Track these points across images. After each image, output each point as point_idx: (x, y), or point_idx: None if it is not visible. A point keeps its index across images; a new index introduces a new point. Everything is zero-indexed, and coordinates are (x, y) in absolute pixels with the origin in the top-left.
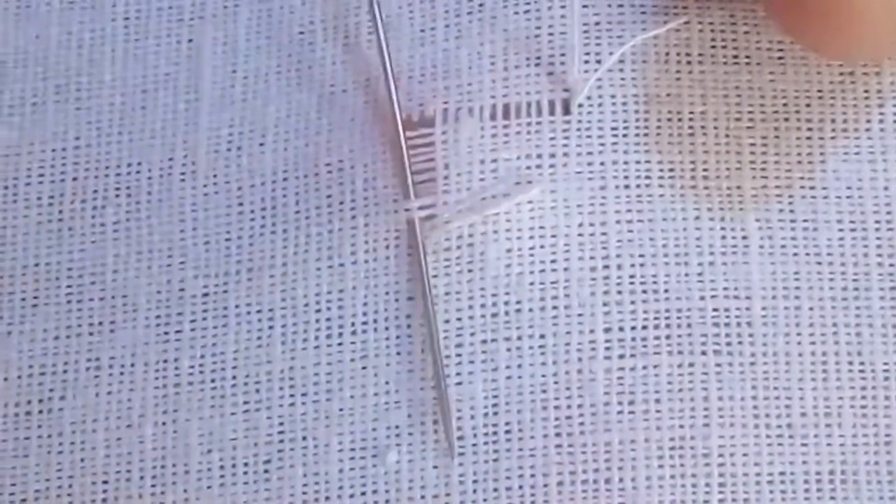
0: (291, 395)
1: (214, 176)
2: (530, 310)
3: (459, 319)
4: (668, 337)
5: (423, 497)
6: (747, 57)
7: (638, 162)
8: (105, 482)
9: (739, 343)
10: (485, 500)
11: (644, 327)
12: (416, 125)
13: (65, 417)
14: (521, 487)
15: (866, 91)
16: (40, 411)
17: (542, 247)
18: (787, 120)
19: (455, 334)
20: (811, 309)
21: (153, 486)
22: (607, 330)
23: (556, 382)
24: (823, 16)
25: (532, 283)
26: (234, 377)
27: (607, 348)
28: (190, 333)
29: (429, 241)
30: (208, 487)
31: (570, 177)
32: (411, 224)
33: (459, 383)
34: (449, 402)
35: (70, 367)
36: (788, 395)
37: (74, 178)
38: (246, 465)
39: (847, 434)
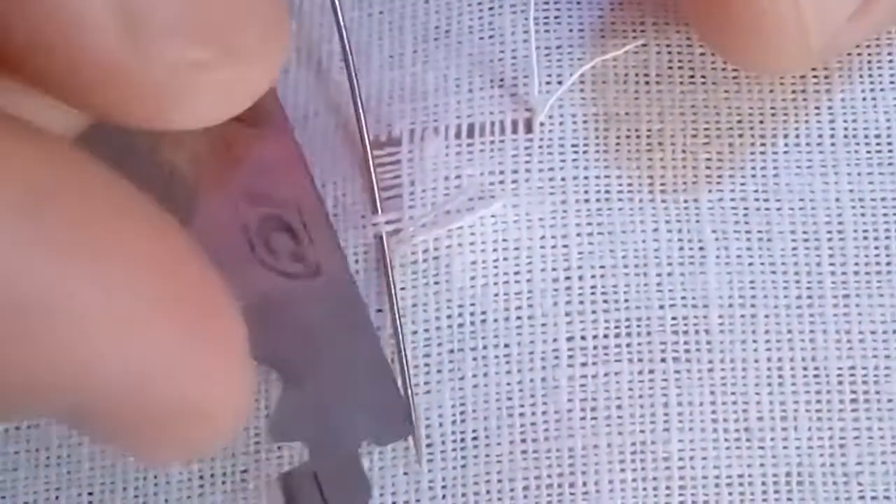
0: (267, 407)
1: None
2: (495, 320)
3: (427, 330)
4: (628, 345)
5: (394, 503)
6: (703, 77)
7: (598, 177)
8: (90, 493)
9: (698, 350)
10: None
11: (605, 336)
12: (383, 145)
13: (52, 432)
14: (488, 492)
15: (817, 108)
16: (28, 426)
17: (505, 259)
18: (741, 136)
19: (423, 344)
20: (767, 317)
21: (136, 496)
22: (570, 339)
23: (520, 390)
24: (731, 24)
25: (496, 295)
26: None
27: (570, 357)
28: None
29: (395, 255)
30: (188, 497)
31: (532, 192)
32: (379, 238)
33: (427, 392)
34: (417, 412)
35: None
36: (746, 399)
37: None
38: (224, 475)
39: (803, 437)
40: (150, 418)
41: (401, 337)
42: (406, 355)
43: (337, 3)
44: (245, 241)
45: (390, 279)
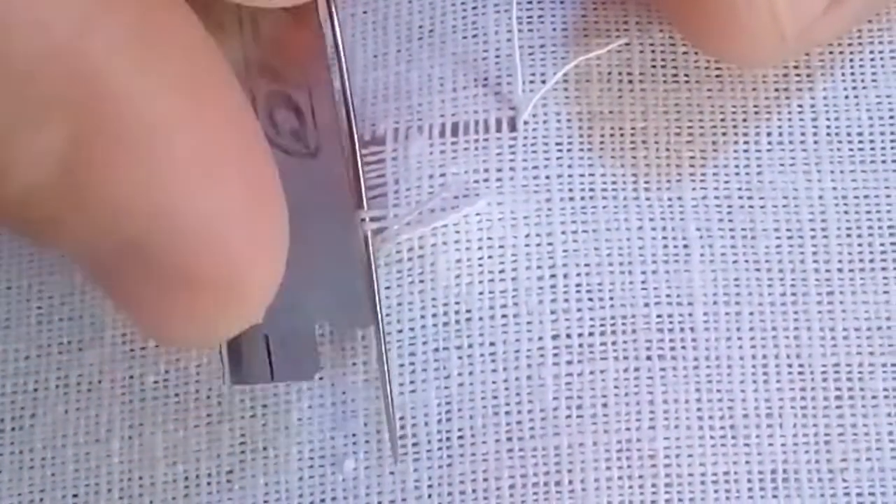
0: (252, 408)
1: None
2: (480, 318)
3: (412, 329)
4: (613, 343)
5: (380, 502)
6: (686, 75)
7: (582, 175)
8: (75, 496)
9: (683, 348)
10: (440, 503)
11: (591, 334)
12: (367, 144)
13: (35, 434)
14: (474, 491)
15: (800, 106)
16: (12, 428)
17: (490, 257)
18: (724, 134)
19: (408, 343)
20: (751, 314)
21: (121, 498)
22: (555, 337)
23: (506, 388)
24: (704, 13)
25: (482, 293)
26: (196, 391)
27: (555, 355)
28: (154, 350)
29: (380, 254)
30: (173, 498)
31: (516, 190)
32: (364, 237)
33: (413, 391)
34: (394, 409)
35: (40, 385)
36: (731, 397)
37: None
38: (209, 475)
39: (788, 434)
40: (194, 275)
41: (382, 334)
42: (386, 356)
43: (334, 9)
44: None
45: (374, 277)
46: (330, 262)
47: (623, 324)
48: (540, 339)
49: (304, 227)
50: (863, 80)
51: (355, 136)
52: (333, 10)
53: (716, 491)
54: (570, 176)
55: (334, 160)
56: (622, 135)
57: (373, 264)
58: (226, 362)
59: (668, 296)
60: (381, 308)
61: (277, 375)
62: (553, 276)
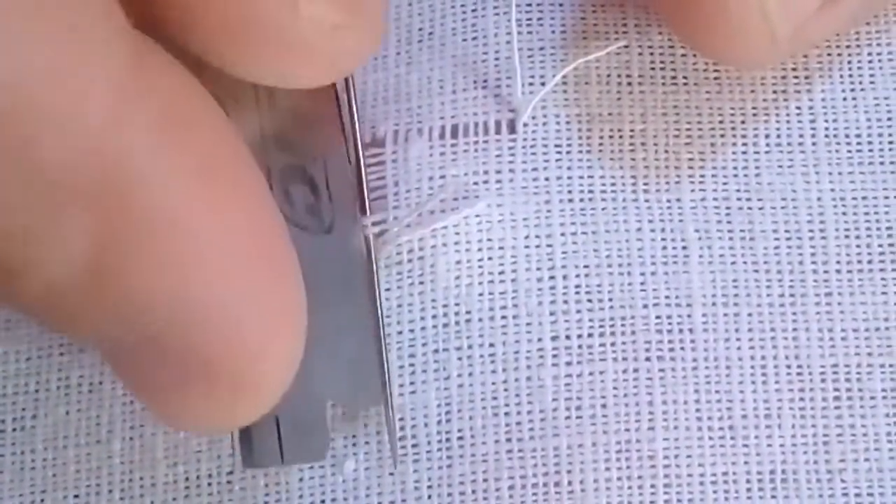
0: None
1: None
2: (480, 320)
3: (412, 330)
4: (612, 344)
5: (380, 503)
6: (685, 78)
7: (581, 177)
8: (76, 496)
9: (682, 349)
10: None
11: (590, 335)
12: (367, 146)
13: (37, 435)
14: (473, 492)
15: (798, 108)
16: (14, 429)
17: (490, 259)
18: (723, 136)
19: (408, 344)
20: (750, 315)
21: (122, 498)
22: (554, 338)
23: (506, 390)
24: (696, 11)
25: (481, 294)
26: None
27: (555, 356)
28: None
29: (381, 256)
30: (174, 499)
31: (516, 192)
32: (366, 239)
33: (413, 392)
34: (394, 413)
35: (42, 386)
36: (730, 398)
37: None
38: (210, 476)
39: (787, 435)
40: (212, 365)
41: (383, 336)
42: (386, 348)
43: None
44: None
45: (375, 280)
46: (342, 340)
47: (622, 325)
48: (539, 340)
49: (321, 306)
50: (861, 83)
51: (359, 142)
52: (351, 83)
53: (715, 492)
54: (569, 178)
55: (350, 234)
56: (621, 137)
57: (374, 267)
58: (237, 446)
59: (666, 297)
60: (381, 310)
61: (287, 458)
62: (552, 277)
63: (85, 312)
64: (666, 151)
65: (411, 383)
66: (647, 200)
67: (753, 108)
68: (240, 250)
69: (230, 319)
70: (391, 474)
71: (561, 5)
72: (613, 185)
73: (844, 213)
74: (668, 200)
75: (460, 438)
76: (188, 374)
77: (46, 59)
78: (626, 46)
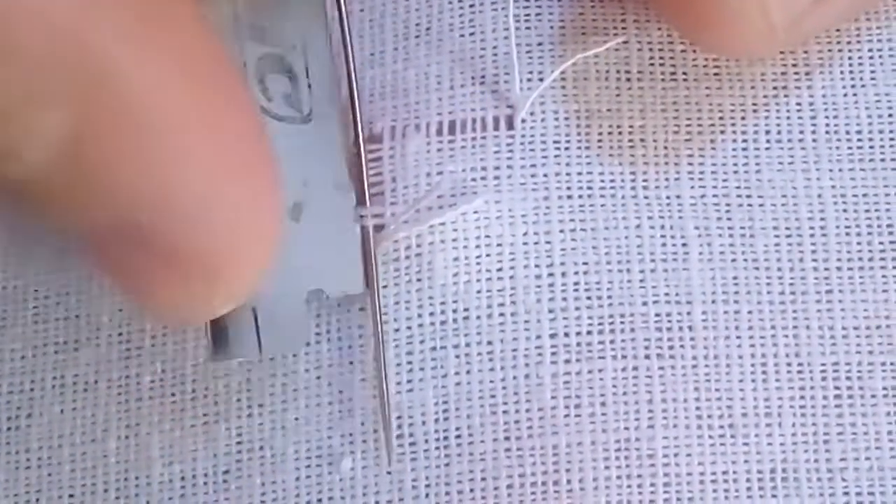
0: (249, 407)
1: None
2: (478, 317)
3: (409, 328)
4: (612, 342)
5: (377, 502)
6: (684, 73)
7: (580, 173)
8: (71, 496)
9: (681, 347)
10: (437, 503)
11: (589, 333)
12: (364, 141)
13: (32, 434)
14: (472, 490)
15: (799, 104)
16: (8, 428)
17: (488, 256)
18: (723, 132)
19: (405, 342)
20: (750, 313)
21: (117, 498)
22: (553, 336)
23: (504, 388)
24: (696, 5)
25: (479, 291)
26: (193, 391)
27: (553, 353)
28: (150, 350)
29: (378, 252)
30: (169, 498)
31: (514, 188)
32: (364, 231)
33: (410, 390)
34: (390, 411)
35: (37, 385)
36: (730, 396)
37: None
38: (206, 475)
39: (787, 433)
40: (188, 255)
41: (380, 330)
42: (384, 355)
43: (344, 16)
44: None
45: (373, 272)
46: (322, 229)
47: (621, 322)
48: (538, 337)
49: (297, 195)
50: (861, 79)
51: (360, 136)
52: (346, 30)
53: (714, 490)
54: (567, 174)
55: (328, 124)
56: (620, 133)
57: (373, 261)
58: (210, 337)
59: (666, 294)
60: (379, 307)
61: (265, 348)
62: (551, 274)
63: (67, 198)
64: (665, 148)
65: (409, 381)
66: (646, 197)
67: (753, 104)
68: (217, 140)
69: (206, 212)
70: (388, 473)
71: (559, 1)
72: (612, 181)
73: (845, 210)
74: (668, 197)
75: (458, 436)
76: (163, 262)
77: None
78: (625, 42)
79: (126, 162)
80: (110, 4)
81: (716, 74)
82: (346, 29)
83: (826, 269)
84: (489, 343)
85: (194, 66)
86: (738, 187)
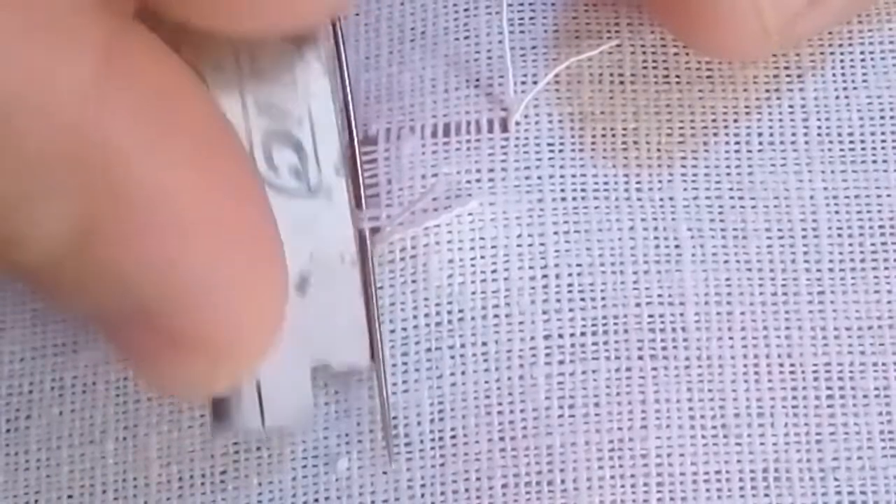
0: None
1: None
2: (472, 318)
3: (404, 329)
4: (605, 343)
5: (373, 502)
6: (677, 76)
7: (574, 176)
8: (70, 497)
9: (674, 348)
10: (433, 503)
11: (582, 334)
12: (359, 143)
13: (31, 436)
14: (466, 490)
15: (791, 106)
16: (7, 430)
17: (482, 258)
18: (715, 134)
19: (400, 343)
20: (742, 314)
21: (115, 499)
22: (547, 337)
23: (498, 388)
24: (687, 5)
25: (474, 293)
26: None
27: (547, 354)
28: None
29: (374, 253)
30: (167, 499)
31: (508, 190)
32: (361, 234)
33: (406, 391)
34: (389, 410)
35: (35, 387)
36: (722, 396)
37: None
38: (203, 476)
39: (779, 433)
40: (194, 336)
41: (380, 340)
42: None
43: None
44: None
45: (371, 275)
46: (328, 301)
47: (615, 324)
48: (532, 338)
49: (303, 268)
50: (853, 81)
51: (355, 140)
52: (339, 33)
53: (707, 490)
54: (561, 176)
55: (336, 196)
56: (614, 135)
57: (370, 263)
58: (211, 409)
59: (659, 296)
60: (377, 310)
61: (269, 421)
62: (545, 276)
63: (77, 283)
64: (658, 150)
65: (404, 382)
66: (639, 199)
67: (746, 106)
68: (222, 225)
69: (212, 292)
70: (384, 473)
71: (553, 4)
72: (606, 183)
73: (837, 212)
74: (661, 199)
75: (453, 437)
76: (170, 343)
77: (11, 50)
78: (618, 45)
79: (135, 249)
80: (115, 92)
81: (708, 77)
82: (343, 54)
83: (818, 270)
84: (484, 344)
85: (201, 150)
86: (730, 189)
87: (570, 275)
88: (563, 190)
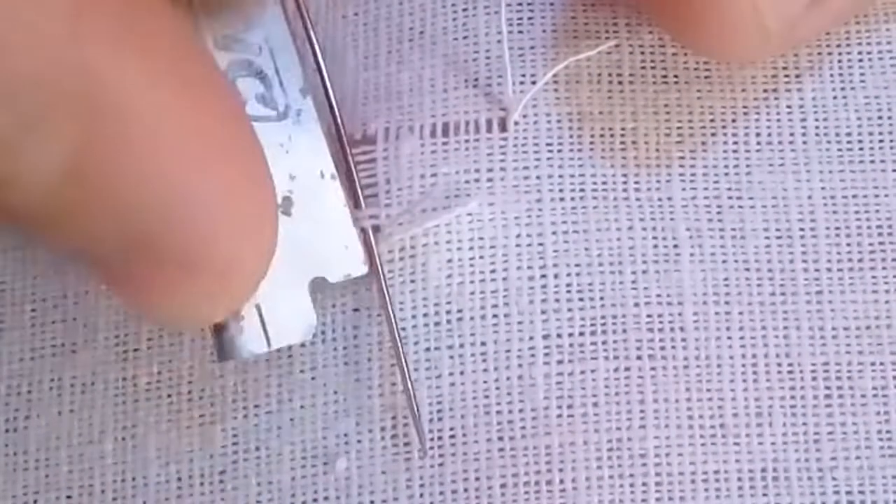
0: (244, 408)
1: None
2: (471, 318)
3: (403, 329)
4: (604, 343)
5: (372, 502)
6: (676, 77)
7: (572, 175)
8: (69, 497)
9: (673, 347)
10: (431, 503)
11: (581, 334)
12: (358, 143)
13: (30, 436)
14: (465, 490)
15: (789, 107)
16: (6, 430)
17: (481, 257)
18: (714, 134)
19: (400, 343)
20: (741, 314)
21: (114, 499)
22: (546, 337)
23: (497, 388)
24: (686, 6)
25: (473, 293)
26: (189, 392)
27: (546, 354)
28: (147, 352)
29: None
30: (166, 499)
31: (507, 190)
32: (363, 232)
33: (405, 390)
34: (418, 404)
35: (34, 387)
36: (721, 396)
37: None
38: (202, 475)
39: (777, 433)
40: (192, 262)
41: (395, 322)
42: (403, 350)
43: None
44: None
45: (380, 272)
46: (315, 218)
47: (613, 323)
48: (531, 338)
49: (285, 190)
50: (851, 81)
51: (344, 139)
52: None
53: (706, 489)
54: (560, 176)
55: (305, 117)
56: (612, 135)
57: (377, 260)
58: (215, 338)
59: (658, 295)
60: (391, 305)
61: (274, 341)
62: (544, 276)
63: (73, 217)
64: (657, 150)
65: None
66: (638, 199)
67: (744, 106)
68: (207, 139)
69: (207, 219)
70: (383, 473)
71: (552, 5)
72: (604, 183)
73: (835, 212)
74: (660, 199)
75: (452, 437)
76: (168, 271)
77: None
78: (616, 45)
79: (129, 175)
80: (91, 18)
81: (707, 77)
82: (313, 34)
83: (816, 269)
84: (482, 344)
85: (180, 70)
86: (728, 189)
87: (568, 274)
88: (561, 190)
